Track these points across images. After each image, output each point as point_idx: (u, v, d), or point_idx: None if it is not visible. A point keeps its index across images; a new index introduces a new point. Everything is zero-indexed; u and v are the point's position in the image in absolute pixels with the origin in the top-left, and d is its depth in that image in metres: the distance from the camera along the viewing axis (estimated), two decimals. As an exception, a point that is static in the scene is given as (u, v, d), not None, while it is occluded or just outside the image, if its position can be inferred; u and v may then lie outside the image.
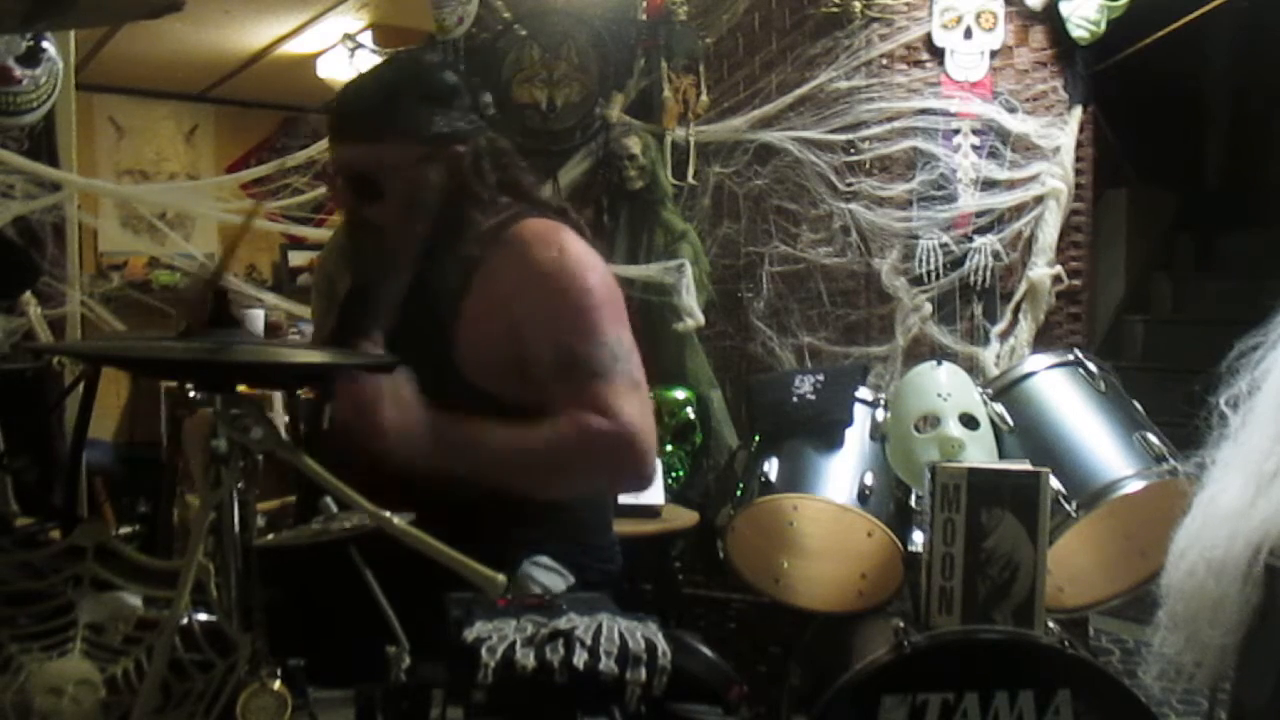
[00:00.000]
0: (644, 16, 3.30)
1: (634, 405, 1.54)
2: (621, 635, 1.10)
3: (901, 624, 1.97)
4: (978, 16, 3.01)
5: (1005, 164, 3.01)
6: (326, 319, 1.82)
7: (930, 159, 3.01)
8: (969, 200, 3.00)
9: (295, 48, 5.45)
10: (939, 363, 2.33)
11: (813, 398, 2.36)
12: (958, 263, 3.01)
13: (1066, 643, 1.96)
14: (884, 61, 3.04)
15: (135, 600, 1.12)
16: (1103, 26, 2.96)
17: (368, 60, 3.67)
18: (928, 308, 3.02)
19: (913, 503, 2.23)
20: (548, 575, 1.59)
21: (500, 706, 1.06)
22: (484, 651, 1.07)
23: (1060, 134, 3.01)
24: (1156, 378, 3.35)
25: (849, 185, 3.05)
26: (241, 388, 1.16)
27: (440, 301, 1.60)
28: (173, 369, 1.59)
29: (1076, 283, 3.06)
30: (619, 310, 1.61)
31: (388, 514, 1.10)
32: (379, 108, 1.60)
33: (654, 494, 2.83)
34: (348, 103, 1.64)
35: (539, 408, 1.54)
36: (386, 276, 1.65)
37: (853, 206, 3.03)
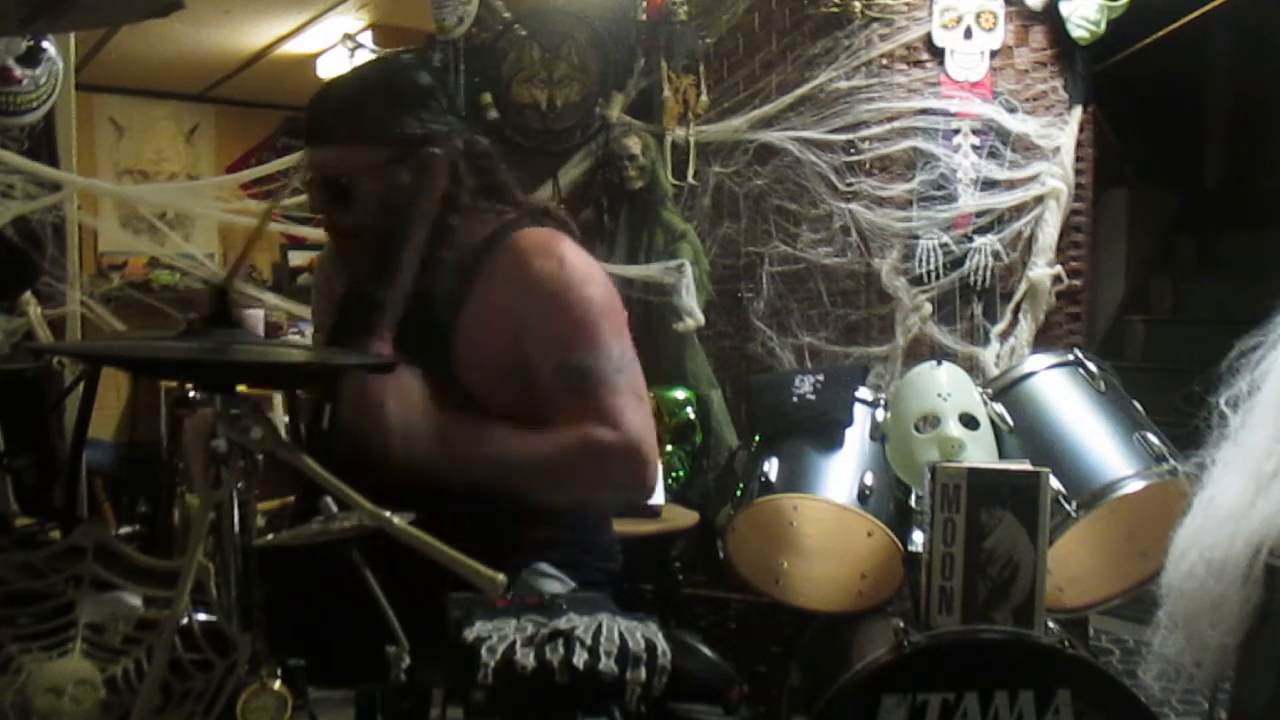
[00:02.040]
0: (644, 16, 3.30)
1: (637, 416, 1.54)
2: (621, 635, 1.10)
3: (901, 624, 1.97)
4: (978, 16, 3.01)
5: (1005, 164, 3.01)
6: (326, 319, 1.82)
7: (930, 159, 3.01)
8: (969, 200, 3.00)
9: (295, 48, 5.45)
10: (939, 363, 2.32)
11: (813, 398, 2.36)
12: (958, 263, 3.01)
13: (1066, 643, 1.95)
14: (884, 61, 3.05)
15: (135, 600, 1.12)
16: (1103, 26, 2.96)
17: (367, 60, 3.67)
18: (928, 308, 3.02)
19: (913, 503, 2.23)
20: (549, 583, 1.59)
21: (500, 706, 1.06)
22: (484, 651, 1.07)
23: (1060, 134, 3.02)
24: (1156, 378, 3.34)
25: (849, 185, 3.05)
26: (241, 388, 1.16)
27: (436, 311, 1.59)
28: (173, 369, 1.59)
29: (1076, 283, 3.07)
30: (619, 320, 1.60)
31: (388, 514, 1.10)
32: (346, 109, 1.59)
33: (654, 494, 2.83)
34: (317, 105, 1.62)
35: (537, 419, 1.54)
36: (376, 279, 1.64)
37: (853, 206, 3.04)
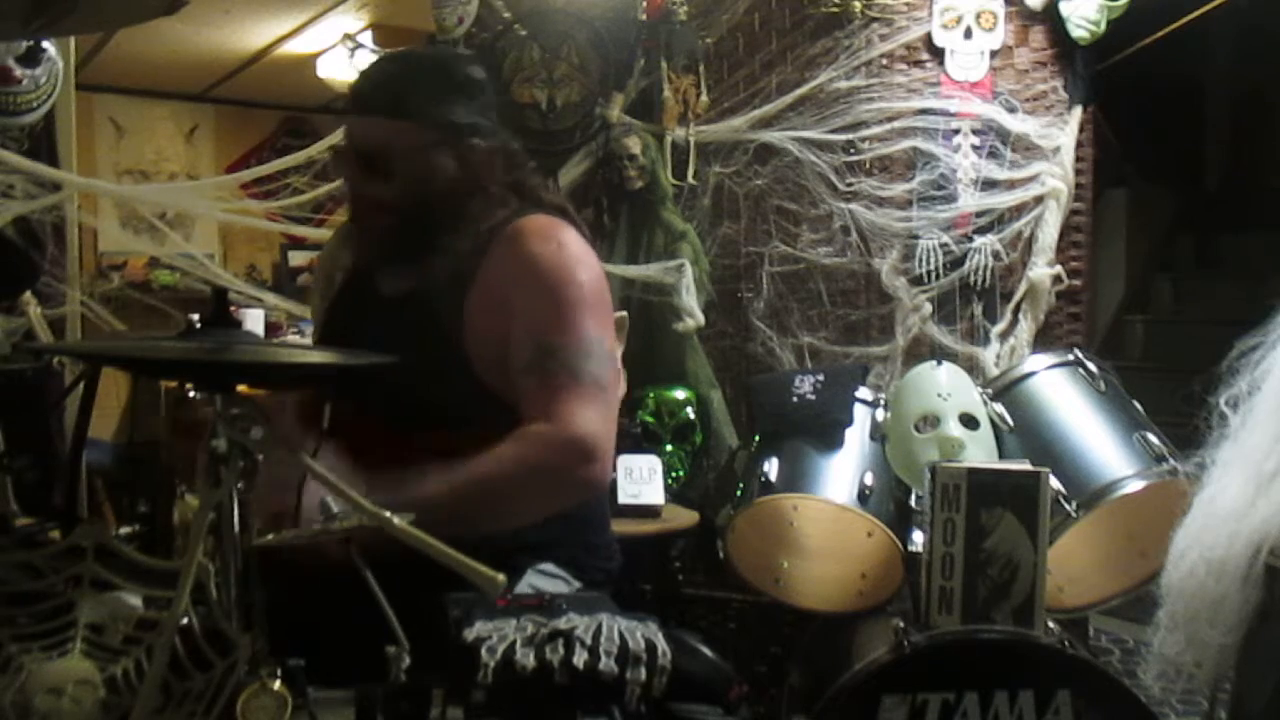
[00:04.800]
0: (644, 16, 3.29)
1: (591, 411, 1.51)
2: (621, 635, 1.10)
3: (901, 624, 1.97)
4: (978, 16, 3.01)
5: (1005, 164, 3.01)
6: (323, 304, 1.82)
7: (930, 159, 3.01)
8: (969, 200, 3.00)
9: (295, 48, 5.44)
10: (939, 363, 2.33)
11: (813, 398, 2.36)
12: (958, 263, 3.01)
13: (1066, 643, 1.96)
14: (884, 61, 3.05)
15: (135, 600, 1.12)
16: (1103, 26, 2.96)
17: (368, 60, 3.66)
18: (928, 308, 3.02)
19: (913, 503, 2.23)
20: (552, 584, 1.59)
21: (500, 706, 1.06)
22: (484, 651, 1.07)
23: (1060, 134, 3.01)
24: (1156, 378, 3.34)
25: (849, 185, 3.05)
26: (242, 388, 1.16)
27: (444, 297, 1.59)
28: (173, 369, 1.60)
29: (1076, 283, 3.06)
30: (604, 312, 1.60)
31: (388, 514, 1.10)
32: (402, 86, 1.60)
33: (654, 494, 2.83)
34: (373, 78, 1.64)
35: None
36: (390, 259, 1.64)
37: (853, 206, 3.04)
